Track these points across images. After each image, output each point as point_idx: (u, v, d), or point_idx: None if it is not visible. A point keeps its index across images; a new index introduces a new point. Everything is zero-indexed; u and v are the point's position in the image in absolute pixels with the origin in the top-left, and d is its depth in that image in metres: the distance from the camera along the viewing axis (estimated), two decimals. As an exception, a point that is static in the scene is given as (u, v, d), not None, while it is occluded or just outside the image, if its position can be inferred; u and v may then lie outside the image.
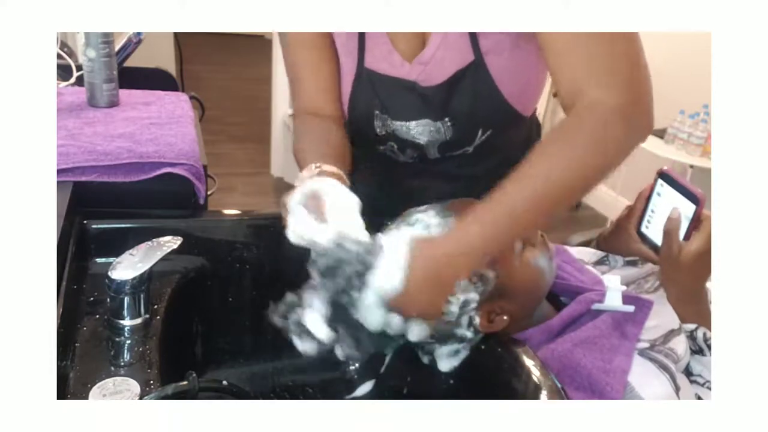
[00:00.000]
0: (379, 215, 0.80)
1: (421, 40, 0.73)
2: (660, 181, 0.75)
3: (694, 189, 0.70)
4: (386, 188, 0.80)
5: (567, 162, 0.59)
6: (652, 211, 0.77)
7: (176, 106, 1.15)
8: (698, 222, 0.70)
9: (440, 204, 0.69)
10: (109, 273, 0.65)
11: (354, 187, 0.70)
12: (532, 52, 0.73)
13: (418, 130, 0.79)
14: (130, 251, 0.68)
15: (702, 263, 0.70)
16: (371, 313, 0.61)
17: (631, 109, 0.60)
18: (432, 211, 0.68)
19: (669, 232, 0.72)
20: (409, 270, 0.58)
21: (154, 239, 0.70)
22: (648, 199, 0.77)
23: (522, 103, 0.77)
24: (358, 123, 0.82)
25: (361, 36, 0.75)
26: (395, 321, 0.62)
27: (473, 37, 0.71)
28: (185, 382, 0.57)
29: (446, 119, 0.77)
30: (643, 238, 0.79)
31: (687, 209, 0.71)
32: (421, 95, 0.76)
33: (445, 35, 0.72)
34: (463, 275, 0.61)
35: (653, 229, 0.76)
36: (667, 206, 0.73)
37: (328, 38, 0.78)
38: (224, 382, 0.65)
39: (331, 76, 0.80)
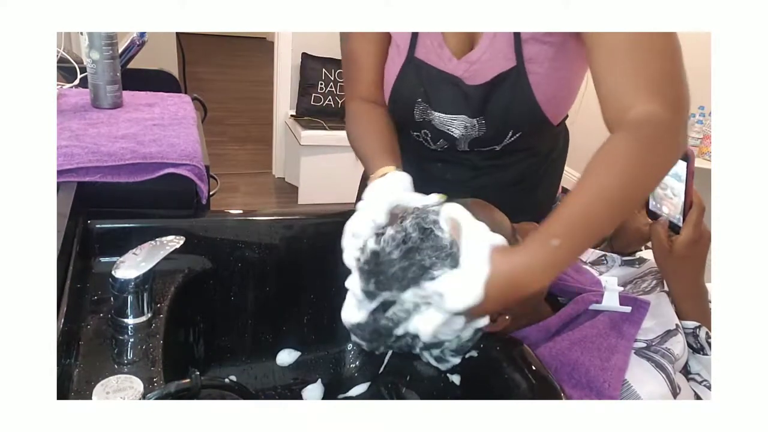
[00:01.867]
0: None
1: (470, 39, 0.78)
2: None
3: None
4: (410, 167, 0.81)
5: (628, 173, 0.59)
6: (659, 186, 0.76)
7: (179, 107, 1.16)
8: (692, 184, 0.70)
9: (459, 201, 0.67)
10: (113, 272, 0.66)
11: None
12: (572, 63, 0.77)
13: (455, 123, 0.83)
14: (134, 250, 0.68)
15: (696, 251, 0.71)
16: (430, 315, 0.59)
17: (679, 124, 0.61)
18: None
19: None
20: (488, 284, 0.57)
21: (157, 239, 0.70)
22: None
23: (553, 111, 0.80)
24: (399, 108, 0.87)
25: None
26: (457, 322, 0.60)
27: (518, 44, 0.75)
28: (188, 380, 0.57)
29: (481, 117, 0.81)
30: (655, 216, 0.77)
31: (680, 168, 0.71)
32: (463, 92, 0.80)
33: (493, 39, 0.76)
34: (537, 289, 0.58)
35: (662, 205, 0.76)
36: (668, 175, 0.72)
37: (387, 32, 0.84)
38: (226, 380, 0.66)
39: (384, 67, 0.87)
